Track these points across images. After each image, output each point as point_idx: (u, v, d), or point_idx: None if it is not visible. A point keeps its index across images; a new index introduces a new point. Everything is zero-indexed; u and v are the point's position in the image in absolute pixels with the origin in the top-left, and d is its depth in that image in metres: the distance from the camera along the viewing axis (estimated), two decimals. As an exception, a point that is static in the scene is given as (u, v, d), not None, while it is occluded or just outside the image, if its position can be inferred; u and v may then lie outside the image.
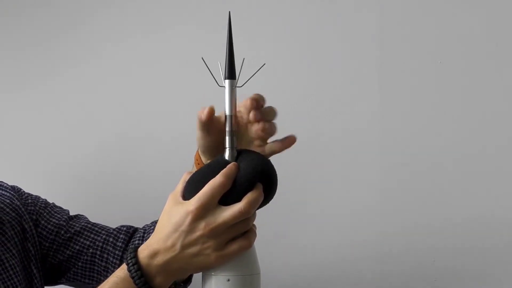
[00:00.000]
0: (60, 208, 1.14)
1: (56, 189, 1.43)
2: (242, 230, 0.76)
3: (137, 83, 1.42)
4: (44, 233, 1.08)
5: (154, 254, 0.76)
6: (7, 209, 1.05)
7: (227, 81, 0.79)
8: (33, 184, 1.31)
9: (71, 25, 1.46)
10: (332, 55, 1.32)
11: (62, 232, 1.09)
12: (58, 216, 1.11)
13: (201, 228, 0.74)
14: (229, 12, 0.78)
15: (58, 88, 1.46)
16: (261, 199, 0.75)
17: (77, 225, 1.10)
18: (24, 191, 1.12)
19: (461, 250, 1.25)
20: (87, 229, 1.10)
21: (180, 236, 0.75)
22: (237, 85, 0.78)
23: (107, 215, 1.30)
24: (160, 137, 1.38)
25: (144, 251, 0.77)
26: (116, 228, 1.12)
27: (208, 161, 0.87)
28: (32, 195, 1.12)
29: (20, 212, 1.06)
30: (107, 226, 1.13)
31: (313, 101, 1.32)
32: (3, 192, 1.09)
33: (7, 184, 1.11)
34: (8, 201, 1.07)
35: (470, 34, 1.26)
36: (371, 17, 1.30)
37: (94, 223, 1.12)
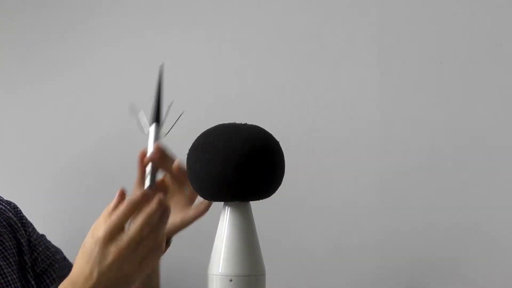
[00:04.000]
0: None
1: (53, 191, 1.42)
2: (153, 242, 0.77)
3: (137, 84, 1.41)
4: (39, 259, 1.08)
5: (74, 285, 0.77)
6: (4, 222, 1.05)
7: (152, 125, 0.80)
8: (30, 186, 1.31)
9: (71, 24, 1.46)
10: (332, 54, 1.32)
11: (57, 265, 1.09)
12: (58, 252, 1.11)
13: (112, 252, 0.75)
14: (163, 63, 0.82)
15: (56, 88, 1.46)
16: (141, 203, 0.77)
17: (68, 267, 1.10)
18: (20, 210, 1.12)
19: (461, 251, 1.25)
20: None
21: (94, 265, 0.76)
22: (162, 132, 0.81)
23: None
24: (161, 142, 1.38)
25: (64, 283, 0.78)
26: None
27: None
28: (27, 219, 1.12)
29: (15, 226, 1.06)
30: None
31: (312, 101, 1.32)
32: None
33: (3, 198, 1.11)
34: (5, 214, 1.06)
35: (470, 34, 1.26)
36: (371, 16, 1.30)
37: None
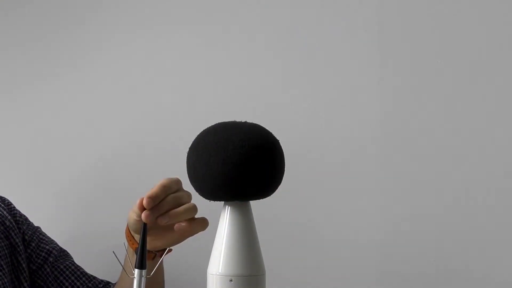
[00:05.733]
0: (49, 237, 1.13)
1: (55, 197, 1.41)
2: None
3: (139, 86, 1.41)
4: (34, 255, 1.07)
5: None
6: None
7: (136, 270, 0.81)
8: (31, 193, 1.30)
9: (73, 25, 1.45)
10: (331, 54, 1.32)
11: (51, 259, 1.08)
12: (51, 245, 1.09)
13: None
14: (144, 224, 0.81)
15: (58, 90, 1.45)
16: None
17: (63, 262, 1.09)
18: (13, 206, 1.09)
19: (461, 250, 1.25)
20: (71, 270, 1.09)
21: None
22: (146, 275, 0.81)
23: (107, 223, 1.30)
24: (161, 141, 1.37)
25: None
26: (97, 279, 1.10)
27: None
28: (21, 213, 1.09)
29: (9, 224, 1.03)
30: (88, 273, 1.11)
31: (312, 100, 1.32)
32: None
33: None
34: None
35: (470, 34, 1.26)
36: (370, 16, 1.30)
37: (78, 266, 1.11)
